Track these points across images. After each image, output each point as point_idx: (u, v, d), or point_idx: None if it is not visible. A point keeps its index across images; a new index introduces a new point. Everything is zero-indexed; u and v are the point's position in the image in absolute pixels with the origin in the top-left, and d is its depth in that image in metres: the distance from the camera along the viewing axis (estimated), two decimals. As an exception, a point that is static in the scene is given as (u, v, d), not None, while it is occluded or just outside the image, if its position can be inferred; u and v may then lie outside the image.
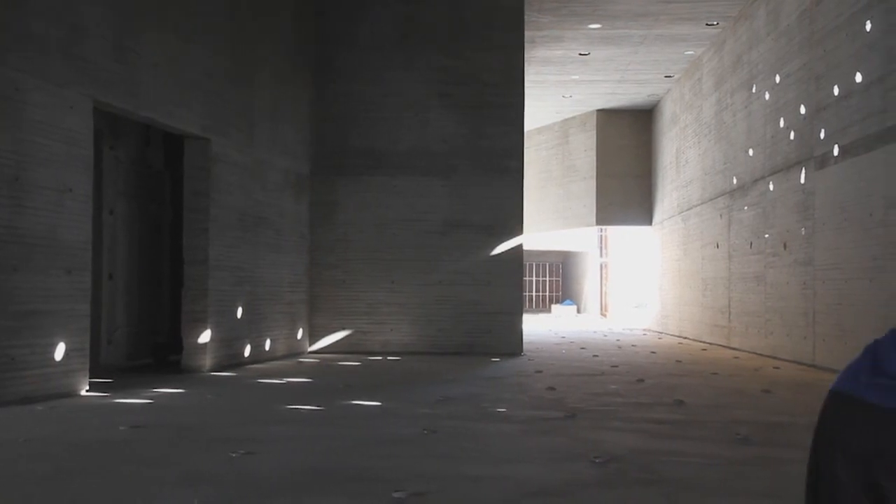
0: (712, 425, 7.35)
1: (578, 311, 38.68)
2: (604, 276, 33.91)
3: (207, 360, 11.61)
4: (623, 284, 30.23)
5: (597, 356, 14.95)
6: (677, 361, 14.05)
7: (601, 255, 34.19)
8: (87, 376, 9.16)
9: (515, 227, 15.32)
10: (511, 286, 15.29)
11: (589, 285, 38.03)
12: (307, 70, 15.05)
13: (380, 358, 14.25)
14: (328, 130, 15.33)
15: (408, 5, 15.47)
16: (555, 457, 5.91)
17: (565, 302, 39.71)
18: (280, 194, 13.92)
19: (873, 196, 10.93)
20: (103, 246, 11.50)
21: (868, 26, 11.13)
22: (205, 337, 11.60)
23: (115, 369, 11.55)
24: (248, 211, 12.77)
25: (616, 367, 12.94)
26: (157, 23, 10.42)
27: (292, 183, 14.40)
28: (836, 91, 12.10)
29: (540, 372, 12.04)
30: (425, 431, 6.87)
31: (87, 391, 9.08)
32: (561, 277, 43.25)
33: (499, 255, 15.23)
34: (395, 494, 4.78)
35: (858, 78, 11.38)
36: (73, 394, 8.85)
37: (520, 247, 15.37)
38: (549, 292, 43.30)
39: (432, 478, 5.24)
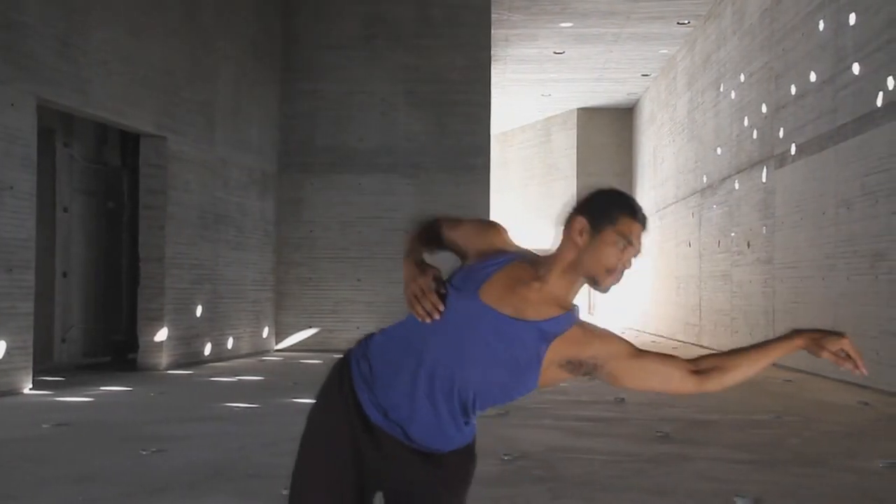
0: (639, 423, 7.35)
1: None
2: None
3: (164, 359, 11.60)
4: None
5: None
6: (640, 360, 14.02)
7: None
8: (31, 374, 9.16)
9: (482, 225, 15.25)
10: (477, 284, 15.24)
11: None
12: (273, 68, 15.03)
13: (344, 356, 14.22)
14: (295, 128, 15.31)
15: (374, 4, 15.45)
16: (466, 455, 5.88)
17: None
18: (243, 192, 13.90)
19: (826, 195, 10.93)
20: (56, 244, 11.49)
21: (821, 26, 11.12)
22: (161, 335, 11.59)
23: (70, 367, 11.56)
24: (208, 209, 12.75)
25: (576, 365, 12.89)
26: (107, 20, 10.40)
27: (257, 181, 14.38)
28: (793, 90, 12.09)
29: (497, 370, 12.00)
30: (349, 429, 6.86)
31: (30, 389, 9.08)
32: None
33: (465, 253, 15.16)
34: (285, 492, 4.78)
35: (812, 77, 11.37)
36: (16, 392, 8.85)
37: (487, 245, 15.29)
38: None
39: (332, 475, 5.23)
